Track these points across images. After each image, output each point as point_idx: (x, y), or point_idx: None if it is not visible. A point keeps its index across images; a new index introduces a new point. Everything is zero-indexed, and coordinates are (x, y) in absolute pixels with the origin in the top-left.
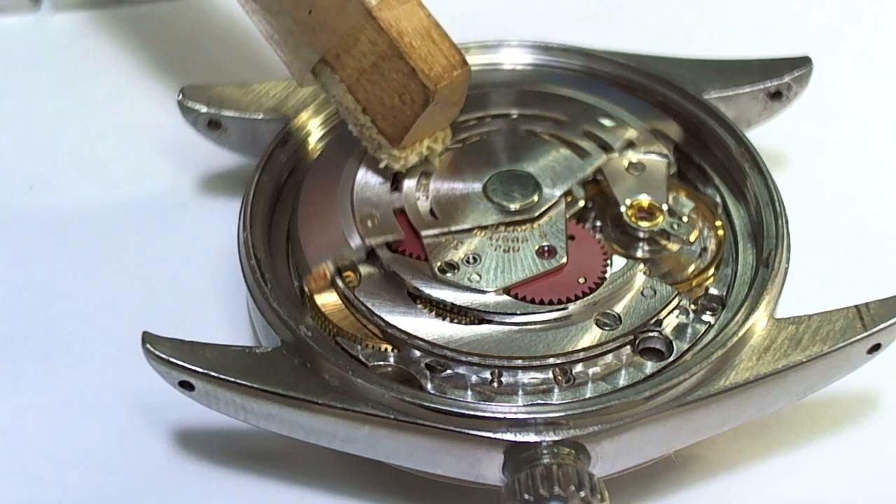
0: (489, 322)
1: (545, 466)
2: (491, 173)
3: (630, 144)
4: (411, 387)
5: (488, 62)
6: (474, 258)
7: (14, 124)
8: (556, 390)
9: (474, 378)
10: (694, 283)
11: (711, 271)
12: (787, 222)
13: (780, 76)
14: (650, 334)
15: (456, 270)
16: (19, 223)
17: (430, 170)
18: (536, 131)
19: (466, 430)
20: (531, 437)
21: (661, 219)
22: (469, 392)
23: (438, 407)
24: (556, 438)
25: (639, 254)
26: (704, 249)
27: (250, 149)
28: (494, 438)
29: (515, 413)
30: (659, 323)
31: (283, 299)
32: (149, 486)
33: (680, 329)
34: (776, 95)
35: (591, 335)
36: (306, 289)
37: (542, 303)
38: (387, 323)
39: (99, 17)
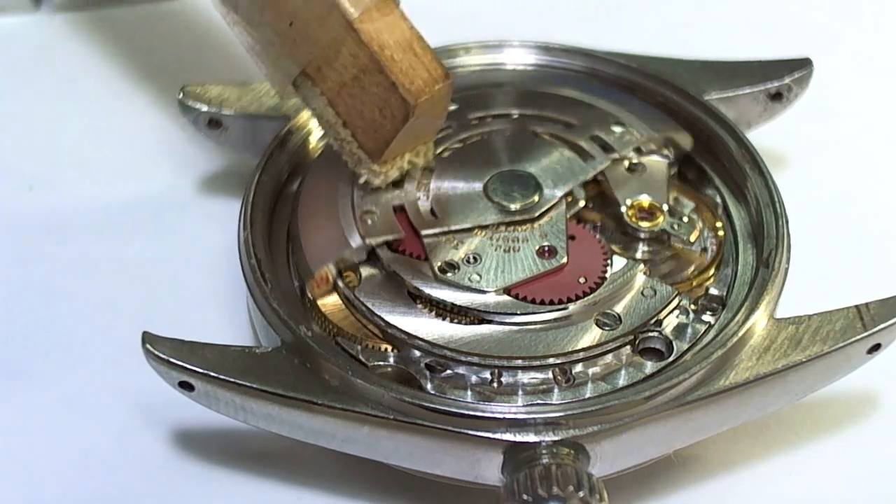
0: (489, 322)
1: (544, 467)
2: (492, 173)
3: (637, 151)
4: (411, 387)
5: (489, 62)
6: (474, 258)
7: (14, 124)
8: (556, 390)
9: (474, 378)
10: (694, 284)
11: (711, 271)
12: (787, 223)
13: (780, 77)
14: (650, 334)
15: (456, 270)
16: (19, 223)
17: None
18: (538, 132)
19: (466, 431)
20: (530, 438)
21: (661, 219)
22: (469, 392)
23: (438, 407)
24: (556, 438)
25: (639, 254)
26: (705, 250)
27: (250, 148)
28: (494, 439)
29: (515, 413)
30: (659, 323)
31: (283, 299)
32: (149, 486)
33: (680, 329)
34: (776, 97)
35: (591, 335)
36: (308, 292)
37: (542, 303)
38: (387, 323)
39: (99, 17)
